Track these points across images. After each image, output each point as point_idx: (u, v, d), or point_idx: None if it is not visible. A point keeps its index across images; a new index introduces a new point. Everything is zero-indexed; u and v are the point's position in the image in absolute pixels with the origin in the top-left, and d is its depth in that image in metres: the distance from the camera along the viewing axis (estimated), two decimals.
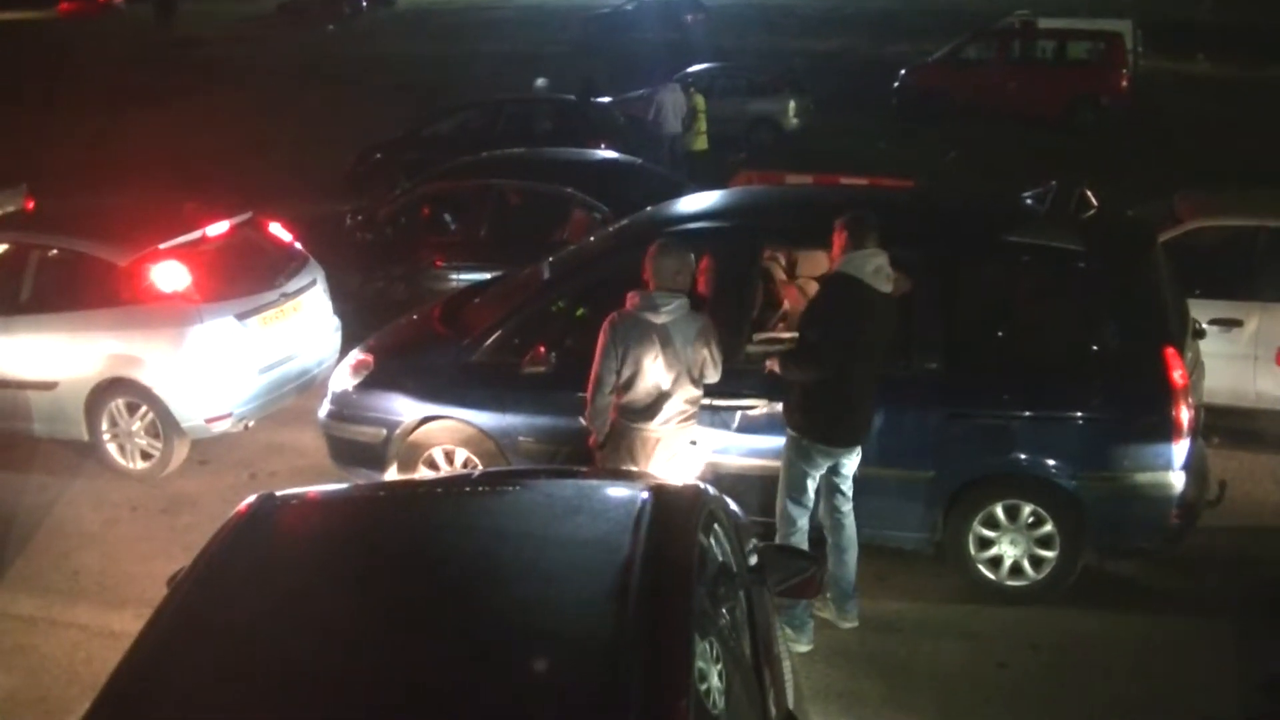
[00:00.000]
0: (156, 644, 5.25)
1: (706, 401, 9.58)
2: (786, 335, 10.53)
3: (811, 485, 9.18)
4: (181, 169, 24.02)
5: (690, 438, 9.19)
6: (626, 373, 8.79)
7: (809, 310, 9.22)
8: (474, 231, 16.04)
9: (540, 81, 28.90)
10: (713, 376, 9.07)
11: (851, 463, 9.22)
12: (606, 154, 18.71)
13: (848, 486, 9.29)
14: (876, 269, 8.71)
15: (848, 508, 9.33)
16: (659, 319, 8.73)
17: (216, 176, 23.38)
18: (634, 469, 8.81)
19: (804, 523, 9.24)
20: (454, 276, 15.17)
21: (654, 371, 8.76)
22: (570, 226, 15.18)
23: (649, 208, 11.78)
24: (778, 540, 9.06)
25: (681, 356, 8.75)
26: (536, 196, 16.06)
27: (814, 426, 9.04)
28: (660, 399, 8.82)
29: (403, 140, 25.28)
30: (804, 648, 9.21)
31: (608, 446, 9.08)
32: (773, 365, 9.24)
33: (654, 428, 8.87)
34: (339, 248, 15.51)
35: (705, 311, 9.39)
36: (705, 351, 8.83)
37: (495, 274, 13.40)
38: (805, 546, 9.06)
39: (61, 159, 25.90)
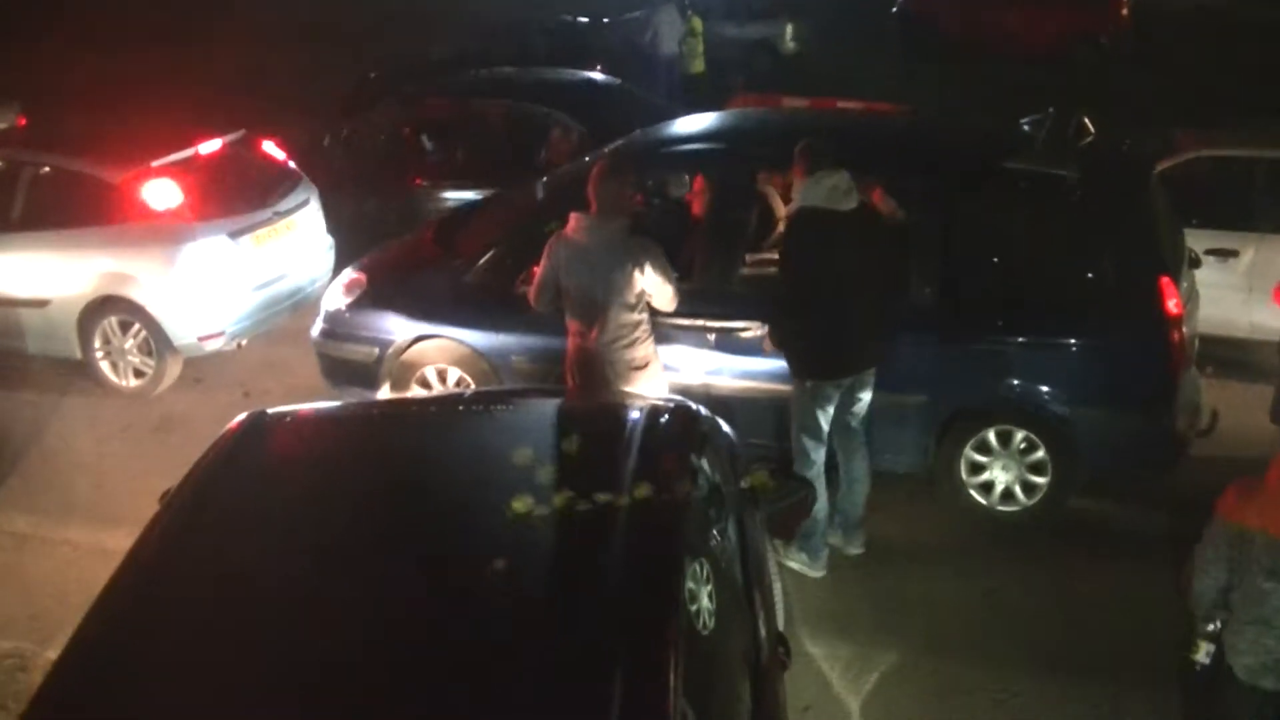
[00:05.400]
0: (147, 561, 5.28)
1: (700, 324, 9.63)
2: (778, 256, 10.53)
3: (825, 420, 9.11)
4: (180, 91, 23.81)
5: (648, 360, 9.13)
6: (566, 292, 8.89)
7: (781, 254, 9.14)
8: (452, 153, 16.13)
9: None
10: (661, 304, 9.00)
11: (866, 391, 9.18)
12: (586, 75, 18.64)
13: (863, 417, 9.28)
14: (832, 189, 8.64)
15: (861, 439, 9.34)
16: (587, 240, 8.74)
17: (212, 100, 23.18)
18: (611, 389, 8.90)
19: (820, 456, 9.19)
20: (443, 195, 15.20)
21: (586, 292, 8.79)
22: (549, 147, 15.24)
23: (642, 129, 11.73)
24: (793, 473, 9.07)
25: (611, 278, 8.71)
26: (516, 117, 16.15)
27: (816, 366, 9.00)
28: (594, 319, 8.82)
29: (400, 65, 25.13)
30: (818, 573, 9.28)
31: (569, 366, 9.18)
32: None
33: (595, 348, 8.88)
34: (320, 170, 15.49)
35: (699, 235, 9.37)
36: (637, 274, 8.72)
37: (473, 194, 13.53)
38: (823, 480, 9.15)
39: (60, 85, 25.68)
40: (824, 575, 9.29)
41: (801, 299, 8.83)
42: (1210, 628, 6.42)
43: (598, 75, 18.38)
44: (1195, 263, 10.81)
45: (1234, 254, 12.12)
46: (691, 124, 11.69)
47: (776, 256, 9.82)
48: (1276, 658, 6.11)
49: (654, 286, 8.80)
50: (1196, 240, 11.21)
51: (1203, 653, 6.46)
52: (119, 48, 30.57)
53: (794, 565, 9.23)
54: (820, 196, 8.63)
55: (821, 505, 9.15)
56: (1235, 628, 6.24)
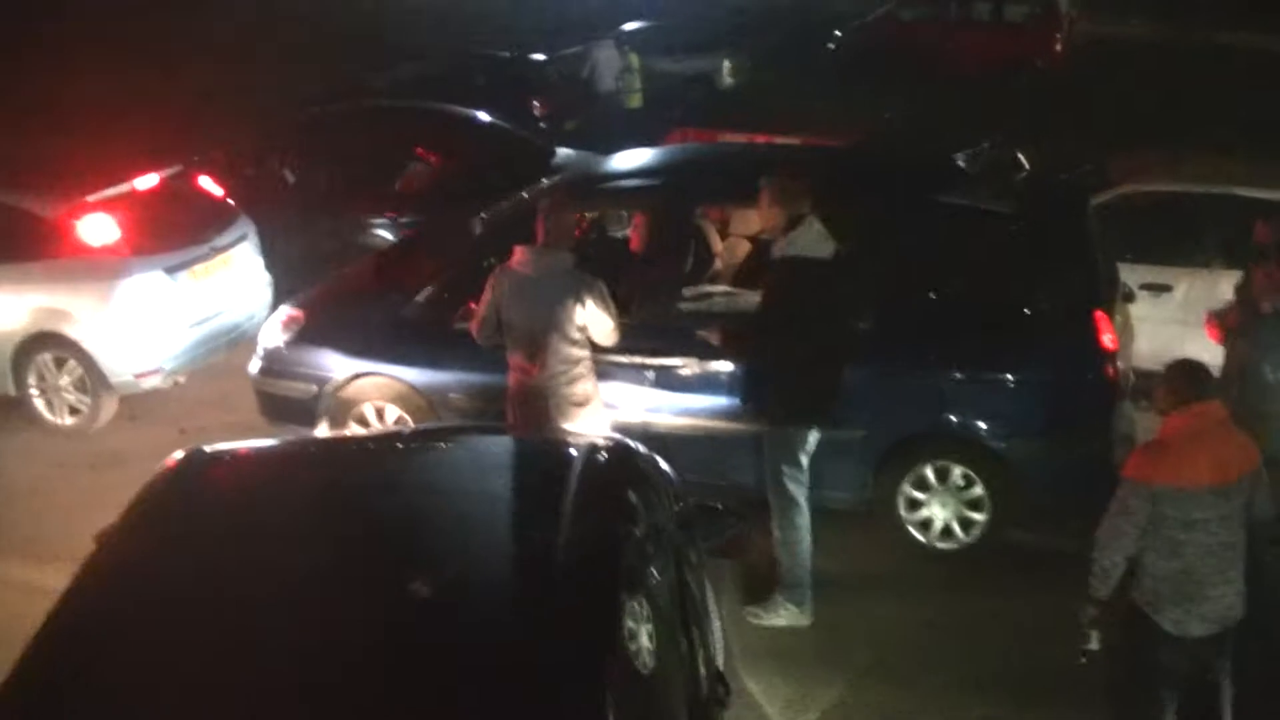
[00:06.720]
0: (83, 600, 5.25)
1: (638, 360, 9.66)
2: (717, 290, 10.53)
3: (806, 461, 9.06)
4: (123, 116, 23.61)
5: (589, 396, 9.15)
6: (509, 326, 8.92)
7: (770, 302, 9.05)
8: (313, 181, 16.26)
9: None
10: (600, 337, 9.04)
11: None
12: (453, 108, 18.66)
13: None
14: (818, 239, 8.68)
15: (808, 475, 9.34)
16: (531, 274, 8.79)
17: (157, 126, 23.00)
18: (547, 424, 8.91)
19: (805, 500, 9.09)
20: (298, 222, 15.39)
21: (528, 325, 8.84)
22: (405, 178, 15.70)
23: (582, 165, 11.77)
24: (776, 524, 9.08)
25: (553, 312, 8.76)
26: (378, 148, 16.40)
27: (808, 412, 8.99)
28: (537, 354, 8.85)
29: (335, 93, 25.06)
30: (806, 621, 9.22)
31: (510, 401, 9.20)
32: (718, 339, 9.29)
33: (537, 383, 8.92)
34: None
35: (637, 270, 9.42)
36: (578, 308, 8.77)
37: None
38: (809, 528, 9.11)
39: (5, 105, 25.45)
40: (810, 623, 9.26)
41: (792, 347, 8.79)
42: (1096, 612, 7.06)
43: (471, 111, 18.32)
44: (1130, 297, 10.90)
45: (1168, 289, 12.23)
46: (629, 160, 11.73)
47: (713, 290, 9.87)
48: (1197, 603, 6.82)
49: (593, 319, 8.84)
50: (1131, 275, 11.29)
51: (1094, 640, 7.10)
52: (84, 67, 30.33)
53: (782, 622, 9.20)
54: (810, 245, 8.66)
55: (808, 552, 9.16)
56: (1154, 586, 6.88)
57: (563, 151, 16.84)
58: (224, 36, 35.12)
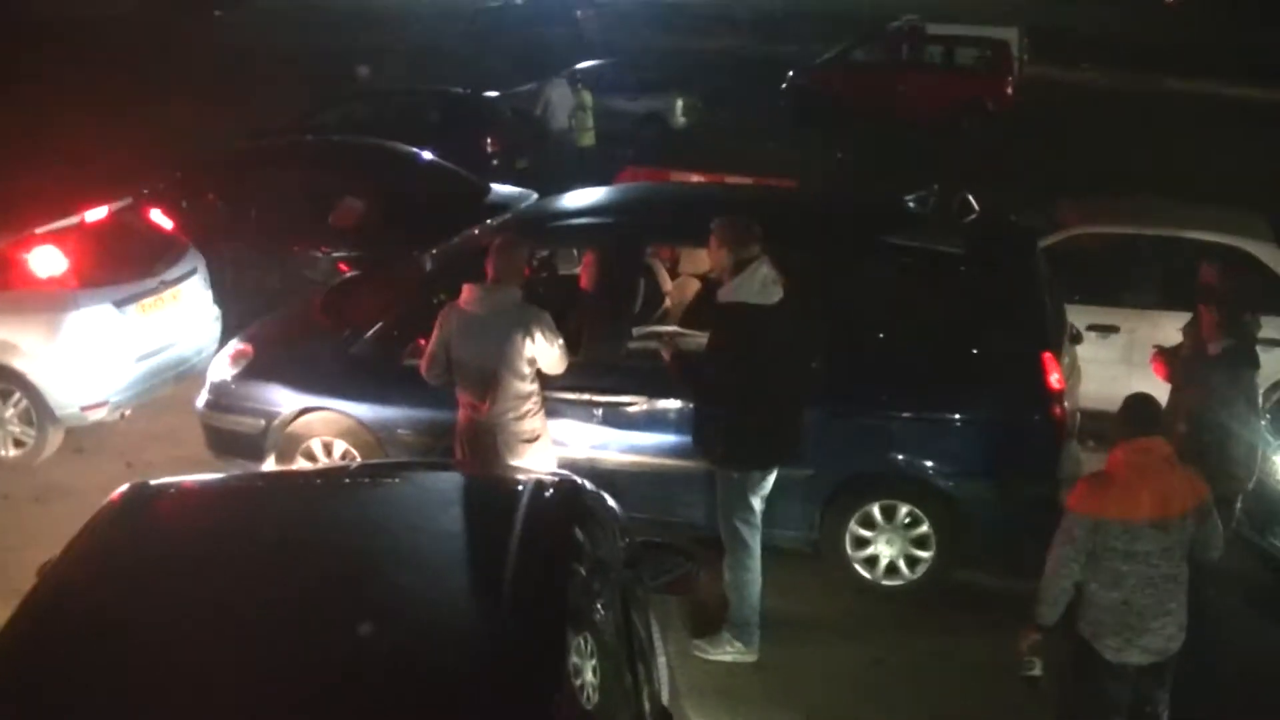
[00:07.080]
0: (24, 633, 5.21)
1: (586, 398, 9.66)
2: (666, 330, 10.54)
3: (759, 505, 9.03)
4: (57, 156, 23.48)
5: (538, 433, 9.15)
6: (458, 363, 8.93)
7: (712, 348, 8.99)
8: (246, 216, 16.04)
9: (362, 69, 28.69)
10: (550, 366, 9.04)
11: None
12: (382, 143, 18.61)
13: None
14: (763, 284, 8.62)
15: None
16: (479, 311, 8.80)
17: (91, 165, 22.88)
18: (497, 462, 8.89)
19: (758, 542, 9.07)
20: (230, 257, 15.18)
21: (478, 362, 8.84)
22: (337, 214, 15.52)
23: (532, 203, 11.78)
24: (727, 565, 9.07)
25: (503, 348, 8.76)
26: (308, 182, 16.28)
27: (753, 457, 8.97)
28: (486, 390, 8.85)
29: (286, 131, 24.96)
30: (752, 658, 9.20)
31: (458, 437, 9.20)
32: (669, 360, 9.26)
33: (486, 419, 8.92)
34: None
35: (586, 308, 9.45)
36: (528, 342, 8.77)
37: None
38: (759, 569, 9.10)
39: None
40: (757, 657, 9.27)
41: (734, 392, 8.77)
42: (1037, 638, 7.26)
43: (410, 148, 18.25)
44: (1077, 338, 10.97)
45: (1114, 330, 12.35)
46: (580, 198, 11.75)
47: (662, 330, 9.88)
48: (1138, 633, 7.04)
49: (542, 351, 8.85)
50: (1078, 316, 11.38)
51: (1037, 667, 7.28)
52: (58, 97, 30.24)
53: (728, 658, 9.18)
54: (753, 292, 8.61)
55: (758, 593, 9.14)
56: (1096, 615, 7.10)
57: (498, 188, 16.89)
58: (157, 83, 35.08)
